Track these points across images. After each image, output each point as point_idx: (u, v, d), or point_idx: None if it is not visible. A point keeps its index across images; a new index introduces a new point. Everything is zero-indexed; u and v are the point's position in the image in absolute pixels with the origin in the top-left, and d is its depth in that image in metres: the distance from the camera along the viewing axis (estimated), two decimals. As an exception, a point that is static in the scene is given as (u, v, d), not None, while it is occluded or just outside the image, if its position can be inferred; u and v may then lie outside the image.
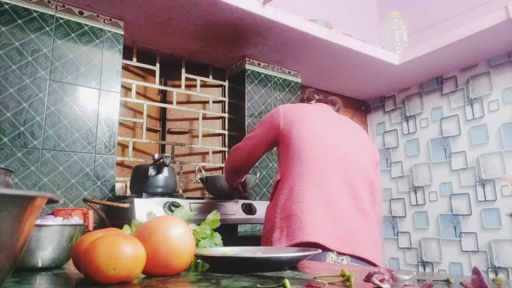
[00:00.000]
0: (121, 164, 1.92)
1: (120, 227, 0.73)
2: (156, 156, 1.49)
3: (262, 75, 2.29)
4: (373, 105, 3.01)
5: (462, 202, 2.35)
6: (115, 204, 1.38)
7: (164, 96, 2.22)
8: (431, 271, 2.44)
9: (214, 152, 2.25)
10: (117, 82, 1.75)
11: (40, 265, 0.64)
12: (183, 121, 2.24)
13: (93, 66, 1.70)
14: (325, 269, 0.65)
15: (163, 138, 2.15)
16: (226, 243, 0.87)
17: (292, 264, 0.67)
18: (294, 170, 1.17)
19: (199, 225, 0.82)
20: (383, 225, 2.78)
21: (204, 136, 2.24)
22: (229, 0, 1.68)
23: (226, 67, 2.39)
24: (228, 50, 2.17)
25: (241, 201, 1.65)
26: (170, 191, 1.53)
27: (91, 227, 1.36)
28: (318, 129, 1.22)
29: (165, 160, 1.44)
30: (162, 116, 2.20)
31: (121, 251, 0.49)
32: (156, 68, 2.10)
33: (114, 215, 1.50)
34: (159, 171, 1.50)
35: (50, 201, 0.37)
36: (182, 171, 2.08)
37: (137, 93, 2.01)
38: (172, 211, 1.36)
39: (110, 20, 1.78)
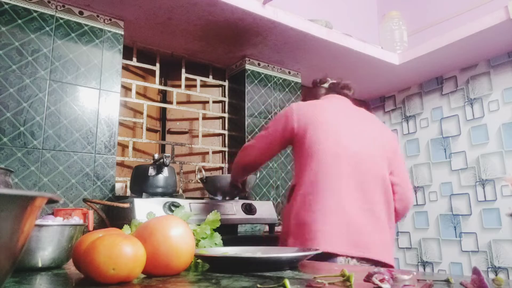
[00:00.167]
0: (121, 164, 1.92)
1: (120, 227, 0.73)
2: (156, 156, 1.49)
3: (262, 75, 2.29)
4: (373, 105, 3.01)
5: (462, 202, 2.35)
6: (115, 204, 1.38)
7: (164, 96, 2.22)
8: (431, 271, 2.44)
9: (214, 152, 2.25)
10: (117, 82, 1.75)
11: (40, 265, 0.64)
12: (183, 121, 2.24)
13: (93, 66, 1.70)
14: (325, 269, 0.65)
15: (163, 138, 2.15)
16: (226, 243, 0.87)
17: (292, 264, 0.67)
18: (308, 177, 1.20)
19: (199, 225, 0.82)
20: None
21: (204, 136, 2.24)
22: (229, 0, 1.68)
23: (226, 67, 2.39)
24: (228, 50, 2.17)
25: (241, 201, 1.65)
26: (170, 191, 1.53)
27: (91, 227, 1.36)
28: (332, 132, 1.23)
29: (165, 160, 1.44)
30: (162, 116, 2.20)
31: (121, 251, 0.49)
32: (156, 68, 2.10)
33: (114, 215, 1.50)
34: (159, 171, 1.50)
35: (50, 201, 0.37)
36: (182, 171, 2.08)
37: (137, 93, 2.01)
38: (172, 211, 1.36)
39: (110, 20, 1.78)
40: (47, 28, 1.60)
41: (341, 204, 1.15)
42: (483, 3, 2.36)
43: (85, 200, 1.42)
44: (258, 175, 1.85)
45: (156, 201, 1.40)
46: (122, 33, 1.81)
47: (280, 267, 0.64)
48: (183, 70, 2.20)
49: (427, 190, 2.54)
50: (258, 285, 0.47)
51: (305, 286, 0.46)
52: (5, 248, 0.32)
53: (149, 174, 1.49)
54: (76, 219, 0.78)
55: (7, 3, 1.52)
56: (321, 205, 1.15)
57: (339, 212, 1.14)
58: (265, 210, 1.70)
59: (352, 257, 1.12)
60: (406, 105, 2.77)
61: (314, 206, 1.15)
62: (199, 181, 1.94)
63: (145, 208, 1.34)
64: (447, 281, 0.49)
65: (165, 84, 2.22)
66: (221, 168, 2.27)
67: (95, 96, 1.68)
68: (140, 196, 1.45)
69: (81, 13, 1.70)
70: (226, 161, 2.28)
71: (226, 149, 2.28)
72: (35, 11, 1.58)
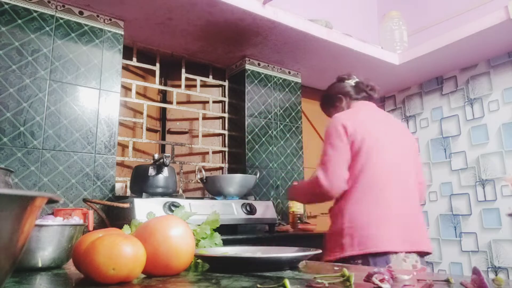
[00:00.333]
0: (121, 164, 1.92)
1: (120, 227, 0.73)
2: (156, 156, 1.49)
3: (262, 75, 2.29)
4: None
5: (462, 202, 2.35)
6: (115, 204, 1.38)
7: (164, 96, 2.22)
8: (431, 271, 2.44)
9: (214, 152, 2.25)
10: (117, 82, 1.75)
11: (40, 265, 0.64)
12: (183, 121, 2.24)
13: (93, 66, 1.70)
14: (325, 269, 0.65)
15: (163, 138, 2.15)
16: (226, 243, 0.87)
17: (292, 264, 0.67)
18: (360, 184, 1.33)
19: (199, 225, 0.82)
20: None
21: (204, 136, 2.24)
22: (229, 0, 1.68)
23: (226, 67, 2.39)
24: (228, 50, 2.17)
25: (241, 201, 1.65)
26: (170, 191, 1.53)
27: (91, 227, 1.36)
28: (380, 146, 1.37)
29: (165, 160, 1.44)
30: (162, 116, 2.20)
31: (121, 251, 0.49)
32: (156, 68, 2.10)
33: (114, 215, 1.50)
34: (159, 171, 1.50)
35: (50, 201, 0.37)
36: (182, 171, 2.08)
37: (137, 93, 2.01)
38: (172, 211, 1.36)
39: (110, 20, 1.78)
40: (47, 28, 1.60)
41: (391, 209, 1.32)
42: (483, 3, 2.36)
43: (85, 200, 1.42)
44: (258, 175, 1.85)
45: (156, 201, 1.40)
46: (122, 33, 1.81)
47: (280, 267, 0.64)
48: (183, 70, 2.20)
49: (427, 190, 2.54)
50: (258, 285, 0.47)
51: (305, 286, 0.46)
52: (5, 248, 0.32)
53: (149, 174, 1.49)
54: (76, 219, 0.78)
55: (7, 3, 1.52)
56: (376, 209, 1.31)
57: (390, 215, 1.31)
58: (265, 210, 1.70)
59: (407, 252, 1.28)
60: (406, 105, 2.77)
61: (371, 210, 1.31)
62: (199, 181, 1.94)
63: (145, 208, 1.34)
64: (447, 281, 0.49)
65: (165, 84, 2.22)
66: (221, 168, 2.27)
67: (95, 96, 1.68)
68: (140, 196, 1.45)
69: (81, 13, 1.70)
70: (226, 161, 2.28)
71: (226, 149, 2.28)
72: (35, 11, 1.58)
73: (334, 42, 2.07)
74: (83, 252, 0.51)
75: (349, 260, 1.26)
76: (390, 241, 1.27)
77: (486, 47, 2.15)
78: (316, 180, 1.36)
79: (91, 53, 1.70)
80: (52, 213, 1.39)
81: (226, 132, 2.29)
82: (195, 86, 2.23)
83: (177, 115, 2.22)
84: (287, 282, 0.45)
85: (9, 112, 1.47)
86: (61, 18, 1.64)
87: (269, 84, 2.32)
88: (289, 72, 2.43)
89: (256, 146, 2.18)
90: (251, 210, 1.63)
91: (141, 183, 1.49)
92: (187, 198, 1.58)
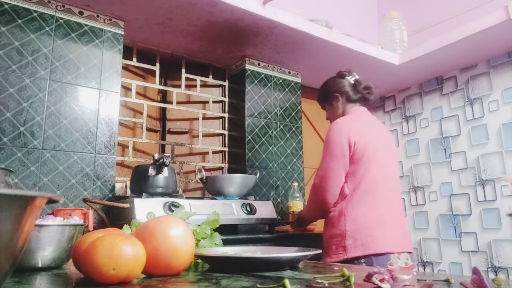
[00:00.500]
0: (121, 164, 1.92)
1: (120, 227, 0.73)
2: (156, 156, 1.49)
3: (262, 75, 2.29)
4: (373, 105, 3.01)
5: (462, 202, 2.35)
6: (115, 204, 1.38)
7: (164, 96, 2.22)
8: (431, 271, 2.44)
9: (214, 152, 2.25)
10: (117, 82, 1.75)
11: (40, 265, 0.64)
12: (183, 121, 2.24)
13: (93, 66, 1.70)
14: (325, 269, 0.65)
15: (163, 138, 2.15)
16: (226, 243, 0.87)
17: (292, 264, 0.67)
18: (360, 189, 1.40)
19: (199, 225, 0.82)
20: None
21: (204, 136, 2.24)
22: (229, 0, 1.68)
23: (226, 67, 2.39)
24: (228, 50, 2.17)
25: (241, 201, 1.65)
26: (170, 191, 1.53)
27: (91, 227, 1.36)
28: (377, 152, 1.45)
29: (165, 160, 1.44)
30: (162, 116, 2.20)
31: (121, 251, 0.49)
32: (156, 68, 2.10)
33: (114, 215, 1.50)
34: (159, 171, 1.50)
35: (50, 201, 0.37)
36: (182, 171, 2.08)
37: (137, 93, 2.01)
38: (172, 211, 1.36)
39: (110, 20, 1.78)
40: (47, 28, 1.60)
41: (386, 212, 1.41)
42: (483, 3, 2.36)
43: (85, 200, 1.42)
44: (258, 175, 1.85)
45: (156, 201, 1.40)
46: (122, 33, 1.81)
47: (280, 267, 0.64)
48: (183, 70, 2.20)
49: (427, 190, 2.54)
50: (258, 285, 0.47)
51: (305, 286, 0.46)
52: (5, 248, 0.32)
53: (149, 174, 1.49)
54: (76, 219, 0.78)
55: (7, 3, 1.52)
56: (376, 212, 1.39)
57: (389, 216, 1.41)
58: (265, 210, 1.70)
59: (400, 253, 1.37)
60: (406, 105, 2.76)
61: (373, 213, 1.38)
62: (199, 181, 1.94)
63: (145, 208, 1.34)
64: (447, 281, 0.49)
65: (165, 84, 2.22)
66: (221, 168, 2.27)
67: (95, 96, 1.68)
68: (140, 196, 1.45)
69: (81, 13, 1.70)
70: (226, 161, 2.28)
71: (226, 149, 2.28)
72: (35, 11, 1.58)
73: (334, 42, 2.07)
74: (83, 252, 0.51)
75: (353, 261, 1.32)
76: (389, 242, 1.36)
77: (486, 47, 2.15)
78: (314, 187, 1.47)
79: (91, 53, 1.70)
80: (52, 213, 1.39)
81: (226, 132, 2.29)
82: (195, 86, 2.23)
83: (177, 115, 2.22)
84: (287, 282, 0.45)
85: (9, 112, 1.47)
86: (61, 18, 1.64)
87: (269, 84, 2.32)
88: (289, 72, 2.43)
89: (256, 146, 2.18)
90: (251, 210, 1.63)
91: (141, 183, 1.49)
92: (187, 198, 1.58)
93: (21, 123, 1.49)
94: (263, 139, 2.22)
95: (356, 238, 1.34)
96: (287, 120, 2.35)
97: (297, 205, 2.01)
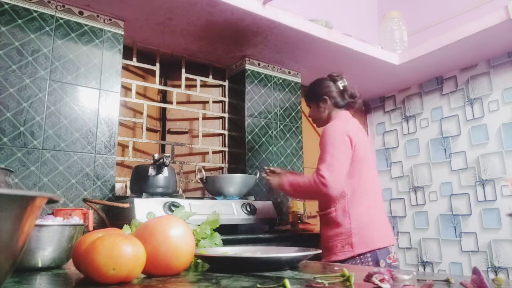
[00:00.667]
0: (121, 164, 1.92)
1: (120, 227, 0.73)
2: (156, 156, 1.49)
3: (262, 75, 2.29)
4: (373, 105, 3.01)
5: (462, 202, 2.35)
6: (115, 204, 1.38)
7: (164, 96, 2.22)
8: (431, 271, 2.44)
9: (214, 152, 2.25)
10: (117, 82, 1.75)
11: (40, 265, 0.64)
12: (183, 121, 2.24)
13: (93, 66, 1.70)
14: (325, 269, 0.65)
15: (163, 138, 2.15)
16: (226, 243, 0.87)
17: (292, 264, 0.67)
18: (359, 189, 1.49)
19: (199, 225, 0.82)
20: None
21: (204, 136, 2.24)
22: (229, 0, 1.68)
23: (226, 67, 2.39)
24: (228, 50, 2.17)
25: (241, 201, 1.65)
26: (170, 191, 1.53)
27: (91, 227, 1.36)
28: (367, 153, 1.55)
29: (165, 160, 1.44)
30: (162, 116, 2.20)
31: (121, 251, 0.49)
32: (156, 68, 2.10)
33: (114, 215, 1.50)
34: (159, 171, 1.50)
35: (50, 201, 0.37)
36: (182, 171, 2.08)
37: (137, 93, 2.01)
38: (172, 211, 1.36)
39: (110, 20, 1.78)
40: (47, 28, 1.60)
41: (379, 209, 1.55)
42: (483, 3, 2.36)
43: (85, 200, 1.42)
44: (258, 175, 1.85)
45: (156, 201, 1.40)
46: (122, 33, 1.81)
47: (280, 267, 0.64)
48: (183, 70, 2.20)
49: (427, 190, 2.54)
50: (258, 285, 0.47)
51: (305, 286, 0.46)
52: (5, 248, 0.32)
53: (149, 174, 1.49)
54: (76, 219, 0.78)
55: (7, 3, 1.52)
56: (376, 209, 1.52)
57: (382, 215, 1.56)
58: (265, 210, 1.70)
59: (392, 245, 1.50)
60: (406, 105, 2.76)
61: (374, 211, 1.51)
62: (199, 181, 1.94)
63: (145, 208, 1.34)
64: (447, 281, 0.49)
65: (165, 84, 2.21)
66: (221, 168, 2.27)
67: (95, 96, 1.68)
68: (140, 196, 1.45)
69: (81, 13, 1.70)
70: (226, 161, 2.28)
71: (226, 149, 2.28)
72: (35, 11, 1.58)
73: (334, 42, 2.07)
74: (83, 252, 0.51)
75: (359, 257, 1.43)
76: (387, 236, 1.51)
77: (486, 47, 2.15)
78: (320, 179, 1.42)
79: (91, 53, 1.70)
80: (52, 213, 1.39)
81: (226, 132, 2.29)
82: (195, 86, 2.23)
83: (177, 115, 2.22)
84: (287, 282, 0.45)
85: (9, 112, 1.47)
86: (61, 18, 1.64)
87: (269, 84, 2.32)
88: (289, 72, 2.43)
89: (256, 146, 2.18)
90: (251, 210, 1.63)
91: (141, 183, 1.49)
92: (187, 198, 1.58)
93: (21, 123, 1.49)
94: (263, 139, 2.22)
95: (361, 235, 1.44)
96: (287, 120, 2.35)
97: (297, 205, 2.01)
